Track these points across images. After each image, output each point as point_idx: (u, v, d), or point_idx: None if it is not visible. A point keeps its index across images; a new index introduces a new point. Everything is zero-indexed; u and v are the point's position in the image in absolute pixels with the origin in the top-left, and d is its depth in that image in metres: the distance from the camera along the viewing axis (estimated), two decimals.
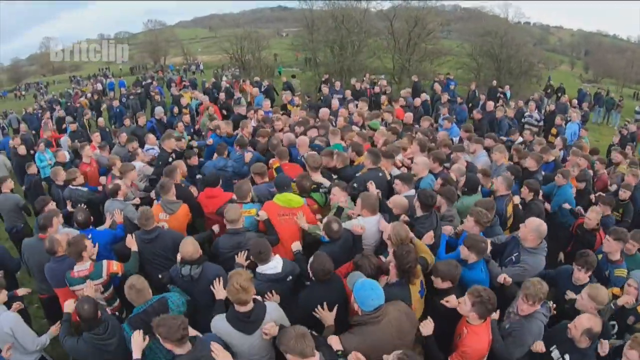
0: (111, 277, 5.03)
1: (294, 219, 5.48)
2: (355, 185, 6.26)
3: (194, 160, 8.70)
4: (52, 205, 6.53)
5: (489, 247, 4.86)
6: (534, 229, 4.96)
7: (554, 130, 12.69)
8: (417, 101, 13.85)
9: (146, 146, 9.68)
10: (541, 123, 14.32)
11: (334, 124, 10.02)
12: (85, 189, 7.55)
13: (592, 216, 6.32)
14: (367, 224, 5.25)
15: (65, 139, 11.84)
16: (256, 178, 6.63)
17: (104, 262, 5.01)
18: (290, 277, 4.50)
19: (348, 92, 15.54)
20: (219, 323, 3.76)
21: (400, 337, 3.63)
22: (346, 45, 25.38)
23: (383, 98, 14.40)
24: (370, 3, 26.47)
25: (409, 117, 11.14)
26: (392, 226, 4.59)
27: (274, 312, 3.86)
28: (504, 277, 4.65)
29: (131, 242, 5.32)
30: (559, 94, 19.85)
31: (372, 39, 26.36)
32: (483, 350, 3.83)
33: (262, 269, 4.33)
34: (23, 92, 40.92)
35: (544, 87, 23.21)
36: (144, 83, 24.94)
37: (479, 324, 3.84)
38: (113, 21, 67.31)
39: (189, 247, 4.47)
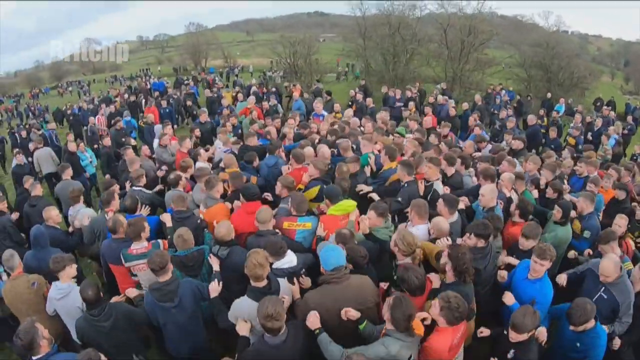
0: None
1: (353, 222, 5.53)
2: (400, 199, 6.21)
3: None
4: (116, 187, 7.33)
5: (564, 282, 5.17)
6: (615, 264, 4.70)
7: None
8: (452, 110, 13.54)
9: (219, 144, 9.67)
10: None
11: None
12: (149, 191, 7.60)
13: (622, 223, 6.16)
14: (418, 232, 5.24)
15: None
16: (283, 191, 6.20)
17: (160, 241, 5.57)
18: (304, 269, 4.78)
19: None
20: (239, 302, 4.12)
21: (359, 302, 4.03)
22: (400, 53, 24.93)
23: (411, 104, 14.42)
24: (425, 10, 26.03)
25: (428, 121, 11.10)
26: (397, 231, 4.57)
27: (286, 288, 4.39)
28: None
29: (166, 218, 5.93)
30: (607, 107, 18.75)
31: (423, 46, 25.89)
32: (443, 353, 3.76)
33: (278, 264, 4.53)
34: (65, 90, 42.46)
35: (593, 101, 22.47)
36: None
37: (446, 327, 3.81)
38: (151, 24, 69.31)
39: (223, 229, 4.99)
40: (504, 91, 21.14)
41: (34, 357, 3.75)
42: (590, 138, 13.02)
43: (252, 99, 14.36)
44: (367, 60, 26.70)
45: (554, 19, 28.28)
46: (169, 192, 7.15)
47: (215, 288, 4.43)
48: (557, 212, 5.99)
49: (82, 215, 6.67)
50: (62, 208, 8.31)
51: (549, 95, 20.07)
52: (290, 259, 4.61)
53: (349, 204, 5.59)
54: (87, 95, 33.99)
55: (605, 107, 18.36)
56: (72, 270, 4.94)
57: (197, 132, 10.95)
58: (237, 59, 42.58)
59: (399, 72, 24.74)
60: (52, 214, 6.49)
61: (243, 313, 4.02)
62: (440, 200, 5.69)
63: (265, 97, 16.64)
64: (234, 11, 57.28)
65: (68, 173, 8.57)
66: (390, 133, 9.53)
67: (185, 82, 26.34)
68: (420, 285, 4.09)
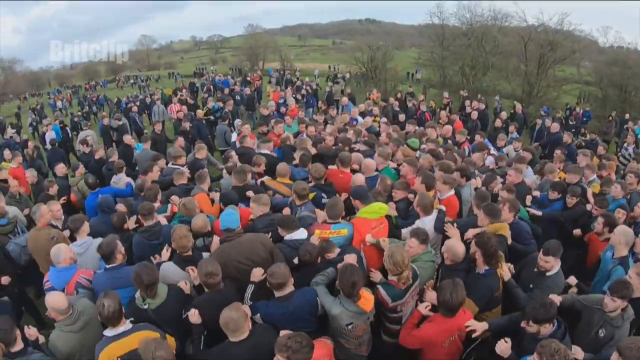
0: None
1: (386, 228, 5.32)
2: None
3: None
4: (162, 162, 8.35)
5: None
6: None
7: None
8: (474, 114, 13.38)
9: None
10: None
11: None
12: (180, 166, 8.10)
13: None
14: (424, 225, 5.20)
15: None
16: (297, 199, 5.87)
17: (169, 205, 6.39)
18: None
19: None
20: (166, 266, 4.64)
21: (249, 256, 4.49)
22: (477, 65, 24.39)
23: (442, 114, 14.02)
24: (505, 22, 25.39)
25: (448, 129, 10.63)
26: (388, 248, 4.31)
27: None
28: None
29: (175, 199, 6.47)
30: None
31: (503, 60, 25.21)
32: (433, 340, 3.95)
33: (290, 236, 4.81)
34: (124, 83, 43.81)
35: None
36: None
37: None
38: (205, 25, 70.54)
39: (199, 221, 5.15)
40: (580, 109, 20.44)
41: (107, 265, 4.50)
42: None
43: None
44: (443, 70, 26.26)
45: (613, 36, 27.11)
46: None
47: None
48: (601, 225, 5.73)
49: (122, 181, 7.92)
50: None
51: (627, 116, 19.10)
52: (301, 232, 4.87)
53: (382, 206, 5.30)
54: (147, 90, 34.41)
55: None
56: (86, 227, 5.46)
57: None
58: (292, 62, 42.54)
59: (476, 85, 24.23)
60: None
61: (168, 276, 4.45)
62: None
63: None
64: (286, 14, 57.93)
65: (149, 144, 10.26)
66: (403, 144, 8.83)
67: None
68: (454, 305, 3.87)
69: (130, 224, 5.91)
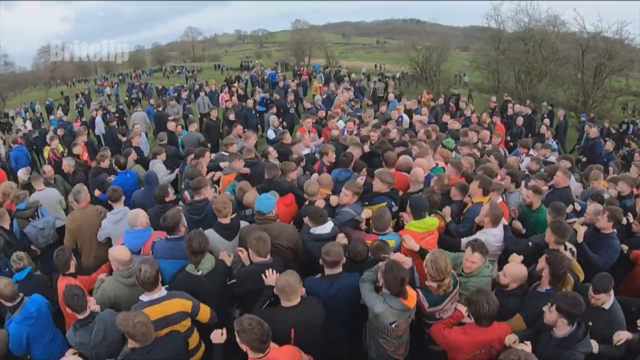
0: None
1: (435, 239, 5.10)
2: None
3: None
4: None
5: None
6: None
7: None
8: (520, 120, 13.00)
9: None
10: None
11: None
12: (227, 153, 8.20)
13: None
14: (491, 237, 4.99)
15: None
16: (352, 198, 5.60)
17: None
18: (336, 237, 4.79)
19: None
20: (209, 233, 4.64)
21: (284, 235, 4.77)
22: (533, 71, 23.81)
23: (484, 115, 13.53)
24: (563, 27, 24.73)
25: (484, 135, 10.05)
26: (432, 252, 4.11)
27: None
28: None
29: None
30: None
31: (560, 67, 24.30)
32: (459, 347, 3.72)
33: (315, 229, 4.78)
34: (170, 73, 44.98)
35: None
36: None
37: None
38: (250, 19, 71.56)
39: (251, 197, 5.43)
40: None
41: (171, 236, 4.62)
42: None
43: None
44: (498, 74, 25.65)
45: None
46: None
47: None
48: None
49: (157, 167, 8.03)
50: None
51: None
52: (325, 227, 4.82)
53: (433, 222, 5.05)
54: (194, 80, 35.15)
55: None
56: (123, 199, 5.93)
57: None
58: (338, 60, 42.51)
59: (530, 92, 23.54)
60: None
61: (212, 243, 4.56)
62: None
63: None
64: (331, 12, 58.09)
65: (193, 126, 10.89)
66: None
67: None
68: (490, 314, 3.62)
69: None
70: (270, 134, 10.57)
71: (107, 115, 15.68)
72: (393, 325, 3.79)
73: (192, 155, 7.72)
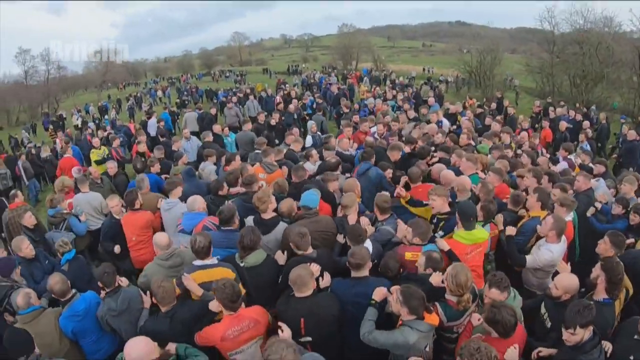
0: None
1: (482, 253, 4.90)
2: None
3: None
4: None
5: None
6: None
7: None
8: (563, 125, 12.39)
9: None
10: None
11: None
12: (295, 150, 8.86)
13: None
14: (552, 254, 4.77)
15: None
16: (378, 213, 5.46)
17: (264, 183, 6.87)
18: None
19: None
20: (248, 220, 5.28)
21: (330, 225, 5.11)
22: (589, 75, 23.07)
23: (521, 117, 13.08)
24: (619, 29, 23.80)
25: (522, 136, 9.89)
26: (453, 266, 3.92)
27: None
28: None
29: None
30: None
31: (616, 72, 23.36)
32: None
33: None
34: (219, 77, 46.18)
35: None
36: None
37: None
38: (295, 23, 72.53)
39: (286, 205, 5.43)
40: None
41: (225, 227, 4.98)
42: None
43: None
44: (553, 78, 25.51)
45: None
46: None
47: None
48: None
49: (208, 169, 8.25)
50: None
51: None
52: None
53: (482, 235, 4.81)
54: (244, 83, 35.90)
55: None
56: (178, 190, 6.33)
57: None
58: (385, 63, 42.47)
59: (585, 97, 22.71)
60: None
61: None
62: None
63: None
64: (377, 15, 58.00)
65: (247, 127, 11.43)
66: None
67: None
68: (515, 324, 3.48)
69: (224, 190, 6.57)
70: (308, 141, 10.58)
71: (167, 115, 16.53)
72: (427, 349, 3.67)
73: (223, 160, 8.14)
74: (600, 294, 3.98)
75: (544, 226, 4.88)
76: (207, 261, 4.29)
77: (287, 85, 25.16)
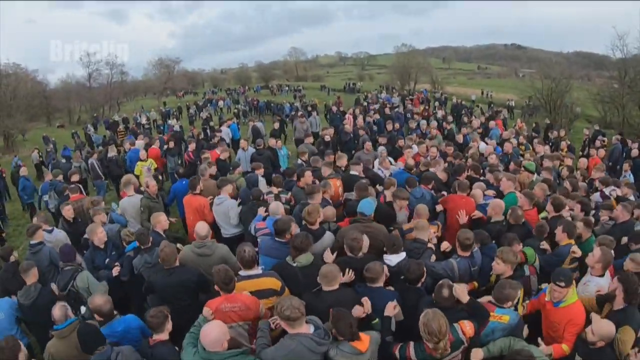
0: None
1: None
2: None
3: None
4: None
5: None
6: None
7: None
8: (602, 152, 12.37)
9: None
10: None
11: None
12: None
13: None
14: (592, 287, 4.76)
15: None
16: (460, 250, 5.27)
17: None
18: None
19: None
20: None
21: (382, 233, 5.48)
22: None
23: (563, 144, 13.13)
24: None
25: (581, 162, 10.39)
26: (424, 314, 3.65)
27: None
28: None
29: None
30: None
31: None
32: None
33: (388, 257, 4.96)
34: (277, 91, 47.41)
35: None
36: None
37: None
38: (349, 41, 73.52)
39: (329, 212, 6.04)
40: None
41: (279, 239, 5.23)
42: None
43: None
44: (623, 109, 24.41)
45: None
46: None
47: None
48: None
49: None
50: None
51: None
52: (398, 257, 4.92)
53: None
54: (304, 99, 36.57)
55: None
56: (229, 188, 7.12)
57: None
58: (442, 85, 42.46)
59: None
60: None
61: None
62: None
63: None
64: (433, 35, 58.25)
65: (309, 140, 12.17)
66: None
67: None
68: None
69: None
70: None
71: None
72: None
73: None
74: (619, 304, 4.26)
75: (591, 258, 4.87)
76: (253, 271, 4.54)
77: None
